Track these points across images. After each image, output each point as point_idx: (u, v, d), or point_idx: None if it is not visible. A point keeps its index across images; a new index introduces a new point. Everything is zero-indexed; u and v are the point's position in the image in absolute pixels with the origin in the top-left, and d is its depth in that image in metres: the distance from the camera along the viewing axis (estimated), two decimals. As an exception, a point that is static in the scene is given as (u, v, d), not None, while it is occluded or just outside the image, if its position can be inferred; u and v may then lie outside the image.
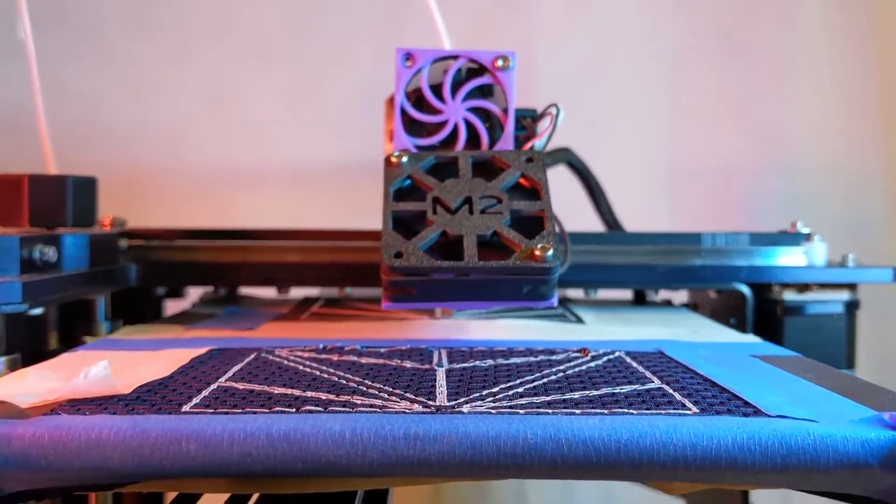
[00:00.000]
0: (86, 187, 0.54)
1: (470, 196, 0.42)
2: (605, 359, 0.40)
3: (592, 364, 0.38)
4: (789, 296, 0.58)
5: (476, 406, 0.31)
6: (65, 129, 0.64)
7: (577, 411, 0.30)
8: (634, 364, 0.38)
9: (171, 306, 0.66)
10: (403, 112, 0.48)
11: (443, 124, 0.48)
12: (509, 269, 0.39)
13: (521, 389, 0.33)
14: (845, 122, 0.88)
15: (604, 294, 0.66)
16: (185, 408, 0.30)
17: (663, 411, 0.30)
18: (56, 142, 0.61)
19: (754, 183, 0.89)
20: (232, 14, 0.87)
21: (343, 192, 0.87)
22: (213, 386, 0.33)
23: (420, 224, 0.41)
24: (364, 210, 0.87)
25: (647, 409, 0.30)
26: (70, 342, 0.52)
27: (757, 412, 0.30)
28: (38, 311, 0.46)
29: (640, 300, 0.68)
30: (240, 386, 0.33)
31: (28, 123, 0.67)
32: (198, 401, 0.31)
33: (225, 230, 0.61)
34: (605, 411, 0.30)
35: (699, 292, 0.67)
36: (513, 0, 0.88)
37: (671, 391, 0.33)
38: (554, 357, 0.40)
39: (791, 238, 0.61)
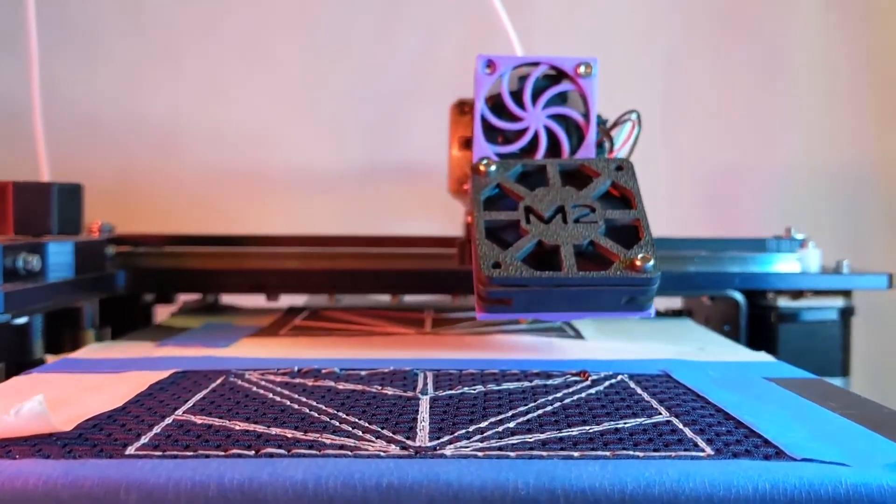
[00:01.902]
0: (72, 194, 0.49)
1: (562, 205, 0.37)
2: (606, 383, 0.34)
3: (593, 390, 0.32)
4: (783, 302, 0.54)
5: (461, 447, 0.25)
6: (55, 132, 0.58)
7: (576, 454, 0.24)
8: (639, 390, 0.32)
9: (162, 312, 0.59)
10: (483, 119, 0.43)
11: (523, 131, 0.43)
12: (610, 279, 0.35)
13: (512, 424, 0.27)
14: (840, 127, 0.82)
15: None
16: (131, 449, 0.24)
17: (673, 453, 0.24)
18: (46, 144, 0.55)
19: (748, 187, 0.82)
20: (225, 15, 0.80)
21: (340, 197, 0.80)
22: (168, 420, 0.27)
23: (509, 233, 0.37)
24: (361, 215, 0.81)
25: (654, 449, 0.25)
26: (57, 350, 0.48)
27: (779, 454, 0.24)
28: (22, 320, 0.43)
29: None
30: (198, 420, 0.27)
31: (17, 126, 0.61)
32: (146, 440, 0.25)
33: (214, 236, 0.56)
34: (608, 453, 0.24)
35: (693, 299, 0.62)
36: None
37: (681, 426, 0.27)
38: (550, 382, 0.34)
39: (785, 244, 0.57)
